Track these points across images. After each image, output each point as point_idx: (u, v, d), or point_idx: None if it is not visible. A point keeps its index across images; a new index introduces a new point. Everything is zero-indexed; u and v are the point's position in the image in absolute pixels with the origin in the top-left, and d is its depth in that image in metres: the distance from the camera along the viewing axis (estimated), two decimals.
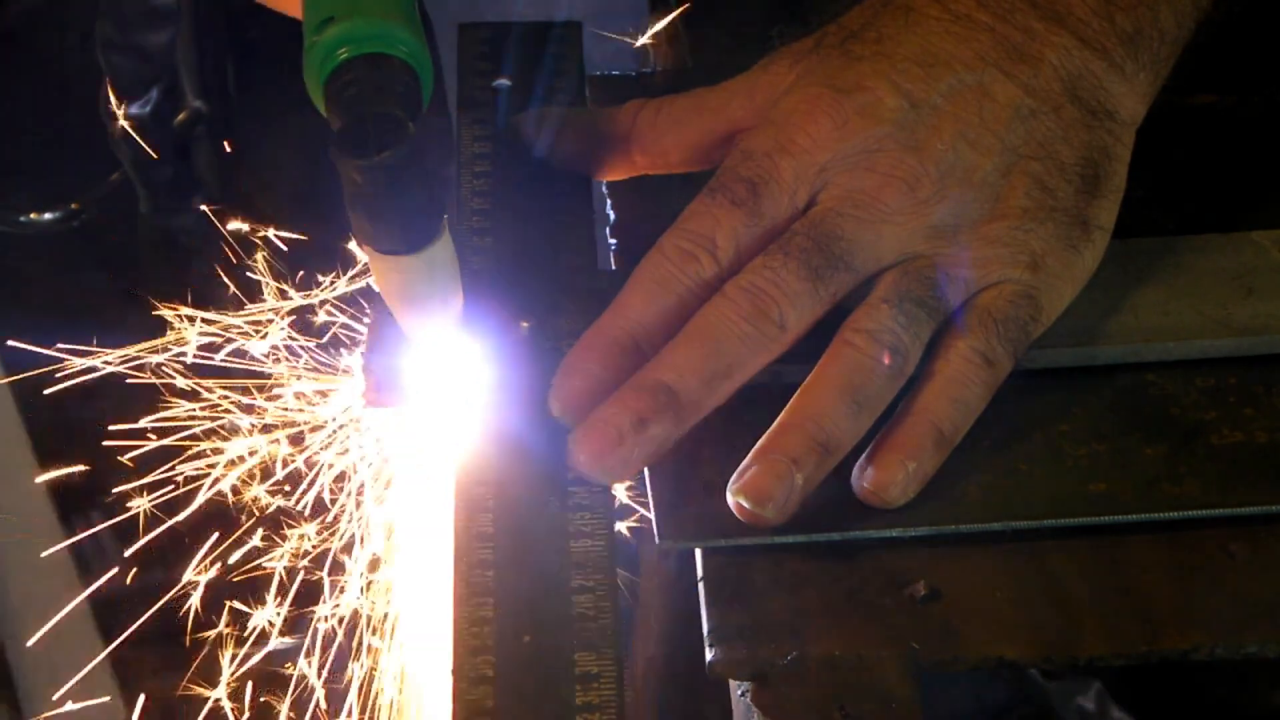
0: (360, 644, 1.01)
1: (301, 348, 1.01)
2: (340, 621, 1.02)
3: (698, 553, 0.88)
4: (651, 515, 0.89)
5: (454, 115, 1.06)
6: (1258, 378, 0.94)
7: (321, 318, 1.02)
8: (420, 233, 0.85)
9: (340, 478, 1.00)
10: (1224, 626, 0.85)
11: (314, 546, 1.02)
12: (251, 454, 1.02)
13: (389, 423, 0.98)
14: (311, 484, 1.00)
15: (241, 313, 1.01)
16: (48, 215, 1.95)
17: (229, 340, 1.02)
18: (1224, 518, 0.89)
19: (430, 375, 0.91)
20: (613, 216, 1.05)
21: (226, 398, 1.03)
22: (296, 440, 1.00)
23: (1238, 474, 0.90)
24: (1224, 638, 0.85)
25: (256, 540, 1.05)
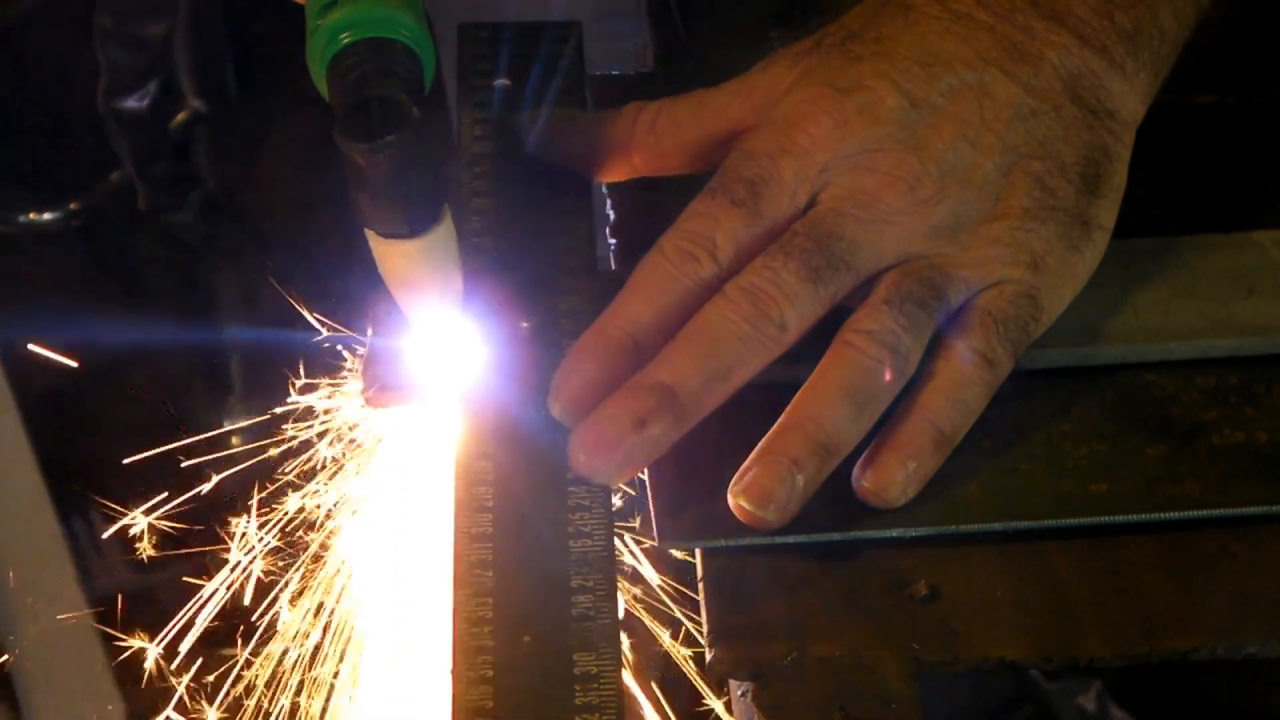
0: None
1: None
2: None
3: (697, 553, 0.88)
4: (651, 515, 0.89)
5: (454, 115, 1.06)
6: (1259, 377, 0.94)
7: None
8: (422, 217, 0.86)
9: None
10: (1224, 627, 0.85)
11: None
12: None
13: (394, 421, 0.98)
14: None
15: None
16: (47, 215, 1.95)
17: None
18: (1224, 518, 0.89)
19: (431, 375, 0.91)
20: (613, 216, 1.05)
21: None
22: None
23: (1238, 474, 0.90)
24: (1224, 638, 0.84)
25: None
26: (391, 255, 0.87)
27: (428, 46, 0.86)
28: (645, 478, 0.90)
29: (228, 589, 1.01)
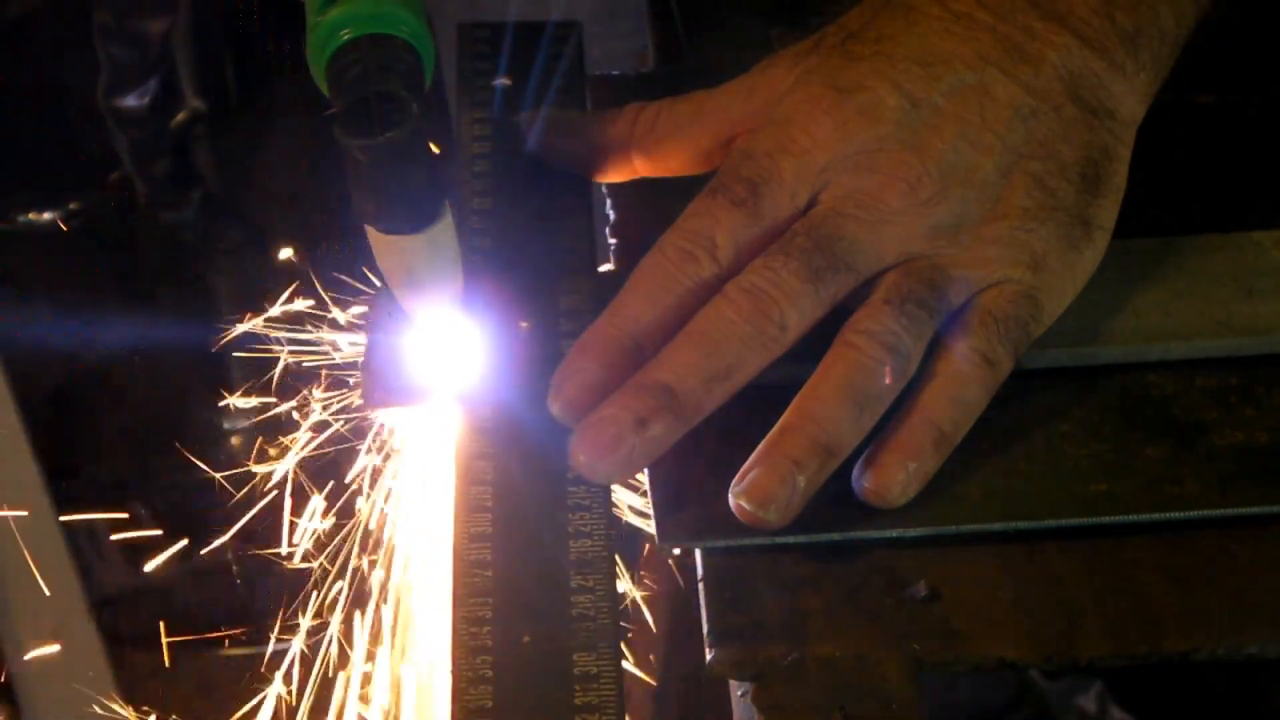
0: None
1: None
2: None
3: (698, 553, 0.88)
4: (651, 515, 0.89)
5: (454, 115, 1.06)
6: (1259, 378, 0.94)
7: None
8: (422, 212, 0.86)
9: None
10: (1224, 627, 0.85)
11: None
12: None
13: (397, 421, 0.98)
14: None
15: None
16: (48, 215, 1.95)
17: None
18: (1224, 518, 0.88)
19: (431, 375, 0.91)
20: (613, 216, 1.05)
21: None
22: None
23: (1238, 474, 0.90)
24: (1224, 638, 0.84)
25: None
26: (392, 251, 0.87)
27: (428, 43, 0.86)
28: (646, 477, 0.90)
29: None
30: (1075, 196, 0.92)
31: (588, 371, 0.89)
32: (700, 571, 0.87)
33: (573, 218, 0.99)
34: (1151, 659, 0.84)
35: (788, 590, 0.86)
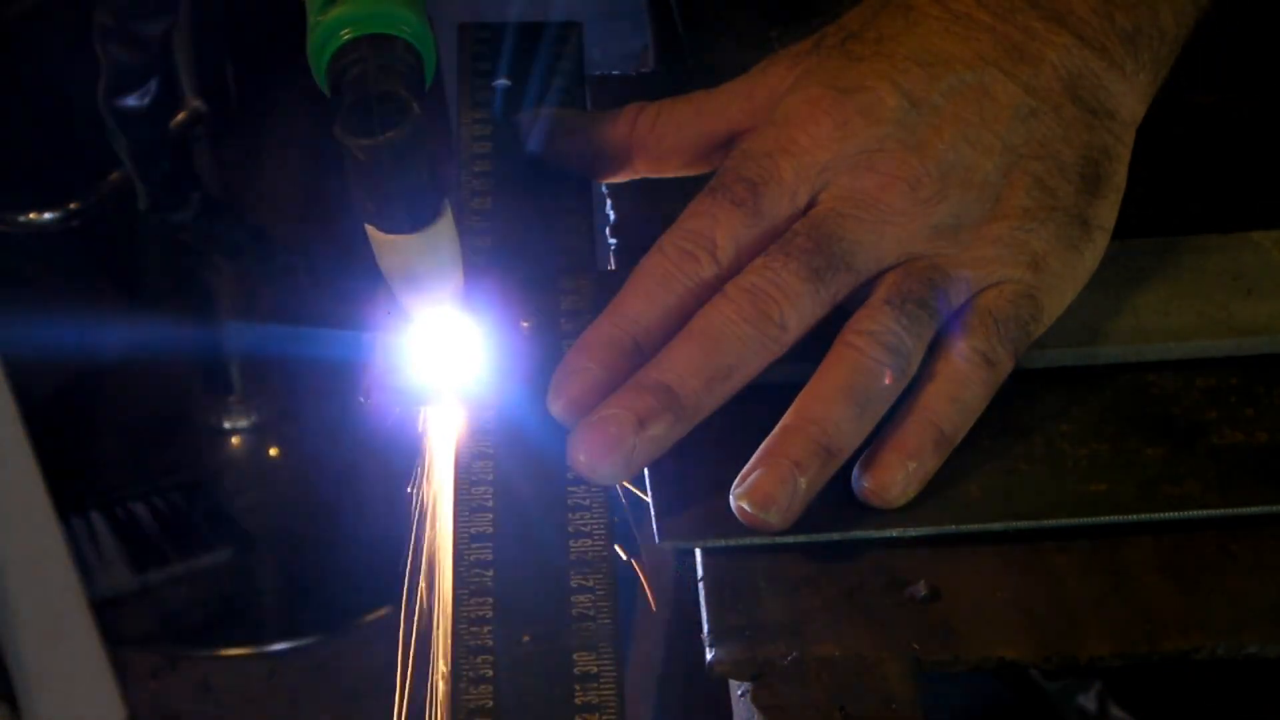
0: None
1: None
2: None
3: (698, 553, 0.88)
4: (651, 515, 0.89)
5: (454, 115, 1.06)
6: (1259, 378, 0.94)
7: None
8: (423, 212, 0.86)
9: None
10: (1224, 627, 0.85)
11: None
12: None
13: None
14: None
15: None
16: (48, 215, 1.95)
17: None
18: (1224, 518, 0.88)
19: (431, 374, 0.91)
20: (613, 216, 1.05)
21: None
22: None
23: (1238, 474, 0.90)
24: (1224, 638, 0.84)
25: None
26: (392, 251, 0.87)
27: (429, 43, 0.86)
28: (645, 477, 0.90)
29: None
30: (1075, 197, 0.92)
31: (588, 371, 0.89)
32: (700, 571, 0.87)
33: (573, 218, 1.00)
34: (1151, 659, 0.84)
35: (788, 590, 0.86)
